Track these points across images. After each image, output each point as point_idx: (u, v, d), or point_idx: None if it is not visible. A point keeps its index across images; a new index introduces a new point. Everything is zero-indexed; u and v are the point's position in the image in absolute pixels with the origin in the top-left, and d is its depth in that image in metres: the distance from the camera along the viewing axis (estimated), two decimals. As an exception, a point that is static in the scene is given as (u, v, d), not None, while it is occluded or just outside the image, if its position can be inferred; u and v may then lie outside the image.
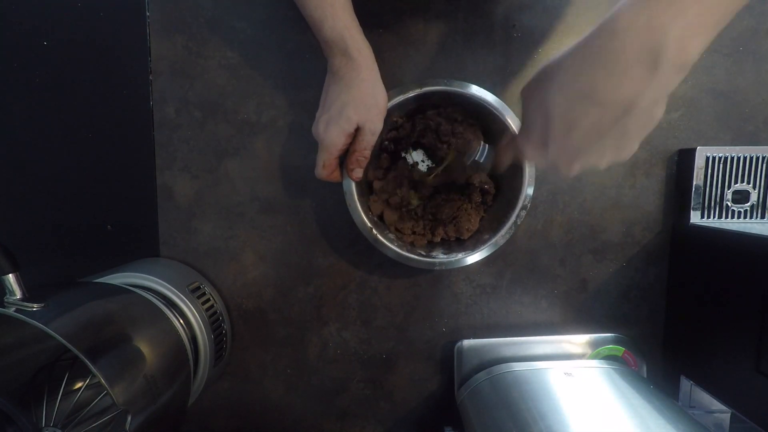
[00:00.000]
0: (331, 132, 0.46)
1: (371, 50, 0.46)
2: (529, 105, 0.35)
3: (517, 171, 0.51)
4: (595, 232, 0.60)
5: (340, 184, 0.52)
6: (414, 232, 0.55)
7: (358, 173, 0.50)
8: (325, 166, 0.48)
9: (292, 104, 0.58)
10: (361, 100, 0.45)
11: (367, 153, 0.48)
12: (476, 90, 0.52)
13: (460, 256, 0.53)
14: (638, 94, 0.29)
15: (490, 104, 0.51)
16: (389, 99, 0.50)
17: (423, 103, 0.54)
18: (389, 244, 0.52)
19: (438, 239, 0.55)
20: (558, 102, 0.31)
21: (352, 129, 0.46)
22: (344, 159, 0.49)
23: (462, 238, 0.55)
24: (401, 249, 0.53)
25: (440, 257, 0.53)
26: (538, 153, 0.35)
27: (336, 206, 0.59)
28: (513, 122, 0.51)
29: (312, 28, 0.45)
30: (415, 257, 0.53)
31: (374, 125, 0.47)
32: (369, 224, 0.52)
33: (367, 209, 0.54)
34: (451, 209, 0.54)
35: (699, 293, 0.55)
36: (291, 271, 0.61)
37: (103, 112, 0.59)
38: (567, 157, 0.33)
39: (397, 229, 0.56)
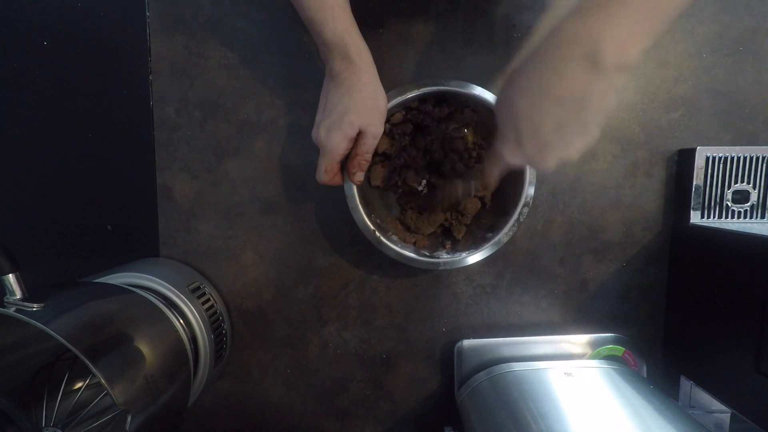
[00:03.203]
0: (333, 137, 0.45)
1: (370, 53, 0.46)
2: (501, 113, 0.39)
3: (517, 171, 0.51)
4: (595, 232, 0.60)
5: (340, 186, 0.52)
6: (415, 227, 0.56)
7: (360, 177, 0.50)
8: (326, 171, 0.48)
9: (292, 104, 0.58)
10: (362, 104, 0.45)
11: (369, 157, 0.48)
12: (477, 90, 0.52)
13: (463, 255, 0.53)
14: (586, 91, 0.33)
15: (489, 103, 0.51)
16: (389, 100, 0.50)
17: (424, 102, 0.54)
18: (393, 246, 0.53)
19: (441, 223, 0.56)
20: (522, 104, 0.36)
21: (354, 134, 0.46)
22: (345, 163, 0.49)
23: (466, 222, 0.56)
24: (404, 250, 0.53)
25: (443, 257, 0.53)
26: (516, 154, 0.38)
27: (336, 206, 0.59)
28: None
29: (311, 32, 0.45)
30: (418, 258, 0.53)
31: (376, 129, 0.47)
32: (372, 227, 0.53)
33: (369, 213, 0.54)
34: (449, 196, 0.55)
35: (699, 293, 0.55)
36: (291, 271, 0.61)
37: (103, 112, 0.59)
38: (540, 152, 0.37)
39: (403, 223, 0.56)
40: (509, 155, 0.39)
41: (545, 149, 0.37)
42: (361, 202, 0.52)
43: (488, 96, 0.51)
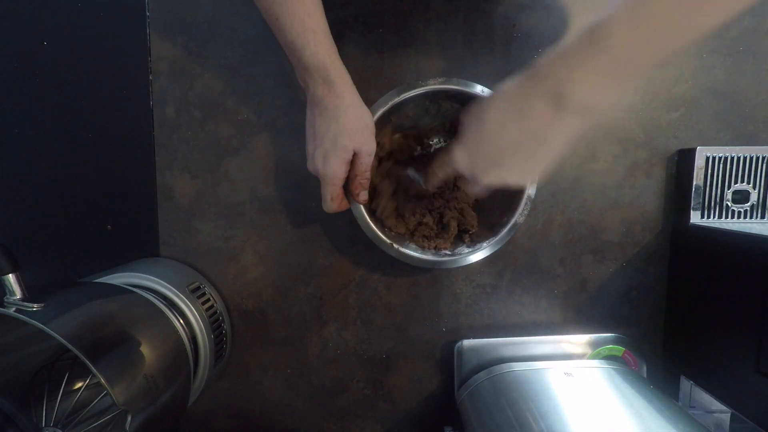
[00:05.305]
0: (331, 164, 0.46)
1: (348, 74, 0.46)
2: (469, 120, 0.41)
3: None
4: (595, 232, 0.60)
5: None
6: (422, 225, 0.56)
7: (364, 196, 0.50)
8: (333, 199, 0.48)
9: (292, 104, 0.58)
10: (351, 126, 0.45)
11: (368, 174, 0.48)
12: (478, 88, 0.52)
13: (463, 254, 0.53)
14: (546, 127, 0.36)
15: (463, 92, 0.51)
16: (388, 100, 0.50)
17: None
18: (414, 254, 0.53)
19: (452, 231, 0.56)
20: (493, 118, 0.39)
21: (350, 156, 0.46)
22: (346, 186, 0.49)
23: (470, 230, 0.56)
24: (425, 255, 0.53)
25: (445, 256, 0.53)
26: (465, 158, 0.42)
27: (336, 206, 0.59)
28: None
29: (290, 56, 0.44)
30: (421, 256, 0.53)
31: (369, 147, 0.47)
32: (388, 241, 0.53)
33: (382, 228, 0.54)
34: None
35: (699, 293, 0.55)
36: (291, 271, 0.61)
37: (103, 112, 0.59)
38: (485, 166, 0.41)
39: (420, 230, 0.56)
40: (459, 158, 0.42)
41: (490, 166, 0.40)
42: (371, 219, 0.53)
43: (460, 87, 0.51)
